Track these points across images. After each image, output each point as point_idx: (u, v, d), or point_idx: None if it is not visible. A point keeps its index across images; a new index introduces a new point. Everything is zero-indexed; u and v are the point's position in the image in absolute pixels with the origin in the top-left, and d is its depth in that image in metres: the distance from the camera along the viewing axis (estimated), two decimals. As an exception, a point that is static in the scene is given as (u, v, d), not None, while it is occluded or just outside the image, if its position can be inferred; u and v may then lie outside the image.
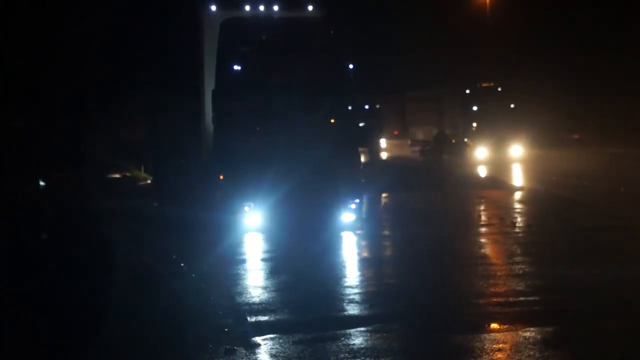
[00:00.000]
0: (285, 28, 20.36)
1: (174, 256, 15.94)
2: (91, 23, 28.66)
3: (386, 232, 19.65)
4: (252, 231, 18.61)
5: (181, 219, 19.56)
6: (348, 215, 18.94)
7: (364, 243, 17.92)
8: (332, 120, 19.02)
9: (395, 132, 59.28)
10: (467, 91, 45.66)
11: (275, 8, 21.03)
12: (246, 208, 18.62)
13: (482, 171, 38.37)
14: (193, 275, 14.07)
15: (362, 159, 20.87)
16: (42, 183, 21.28)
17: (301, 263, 15.26)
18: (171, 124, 22.19)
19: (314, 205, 18.63)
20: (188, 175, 22.02)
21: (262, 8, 21.00)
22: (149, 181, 29.07)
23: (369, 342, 9.76)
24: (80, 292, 11.77)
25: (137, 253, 16.37)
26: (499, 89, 45.19)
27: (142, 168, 30.12)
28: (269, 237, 18.30)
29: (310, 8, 20.86)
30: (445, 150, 44.35)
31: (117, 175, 29.89)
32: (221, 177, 19.03)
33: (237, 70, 19.39)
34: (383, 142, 54.40)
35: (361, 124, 52.93)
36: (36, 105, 23.06)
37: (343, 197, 18.78)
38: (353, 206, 18.95)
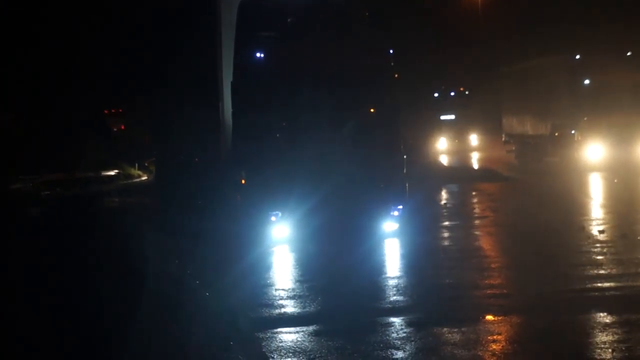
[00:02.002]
0: (312, 9, 17.75)
1: (188, 272, 13.39)
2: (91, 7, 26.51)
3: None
4: (280, 244, 16.06)
5: (194, 228, 16.86)
6: (390, 224, 16.38)
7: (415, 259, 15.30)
8: (372, 110, 16.45)
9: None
10: (577, 57, 31.10)
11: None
12: (273, 217, 16.06)
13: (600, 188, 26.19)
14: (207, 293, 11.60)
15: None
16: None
17: (343, 290, 12.62)
18: (183, 119, 19.50)
19: (351, 214, 16.07)
20: (202, 177, 19.41)
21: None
22: (143, 178, 29.15)
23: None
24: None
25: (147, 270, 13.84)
26: (629, 54, 30.90)
27: (137, 165, 30.25)
28: (299, 253, 15.73)
29: None
30: (548, 148, 32.74)
31: (112, 173, 29.64)
32: (243, 180, 16.47)
33: (259, 58, 16.85)
34: (474, 139, 49.22)
35: (446, 117, 49.30)
36: (31, 102, 21.21)
37: (385, 203, 16.23)
38: (396, 213, 16.38)
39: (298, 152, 16.16)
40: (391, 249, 15.93)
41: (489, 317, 10.44)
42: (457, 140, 49.02)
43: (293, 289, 12.61)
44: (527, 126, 35.33)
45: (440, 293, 11.93)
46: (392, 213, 16.34)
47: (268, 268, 14.46)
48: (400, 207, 16.43)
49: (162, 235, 16.04)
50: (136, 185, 28.04)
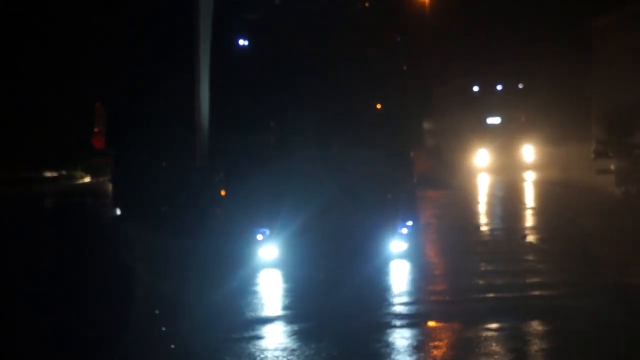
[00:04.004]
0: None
1: (156, 312, 10.69)
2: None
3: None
4: (267, 267, 13.38)
5: (156, 246, 14.10)
6: (398, 243, 13.75)
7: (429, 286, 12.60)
8: (379, 106, 13.90)
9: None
10: None
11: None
12: (259, 236, 13.39)
13: None
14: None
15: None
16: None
17: (343, 327, 9.99)
18: (146, 114, 16.60)
19: (351, 232, 13.45)
20: (171, 185, 16.54)
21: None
22: (87, 180, 28.63)
23: None
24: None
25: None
26: None
27: (80, 167, 29.42)
28: (290, 278, 13.05)
29: None
30: None
31: (54, 174, 28.78)
32: (223, 192, 13.81)
33: (243, 46, 14.28)
34: (529, 152, 34.85)
35: (490, 120, 35.09)
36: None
37: (391, 218, 13.61)
38: (405, 230, 13.75)
39: (289, 158, 13.57)
40: (399, 274, 13.31)
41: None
42: (503, 153, 34.60)
43: (276, 334, 9.88)
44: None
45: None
46: (399, 230, 13.72)
47: (249, 303, 11.63)
48: (410, 223, 13.82)
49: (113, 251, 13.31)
50: (80, 187, 27.46)
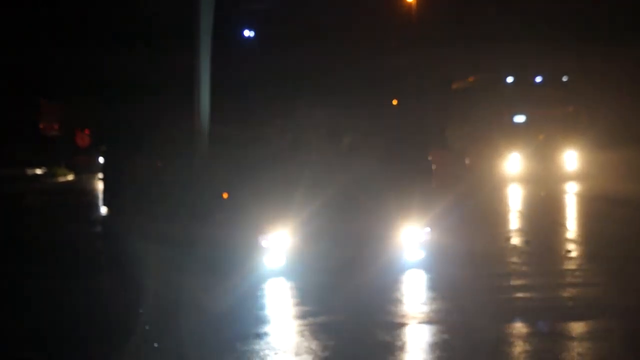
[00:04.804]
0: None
1: (147, 327, 9.56)
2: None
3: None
4: (273, 277, 12.24)
5: (148, 252, 12.99)
6: (415, 251, 12.65)
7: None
8: (395, 102, 12.87)
9: None
10: None
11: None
12: (264, 242, 12.26)
13: None
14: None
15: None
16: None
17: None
18: (138, 107, 15.57)
19: (364, 239, 12.35)
20: (167, 186, 15.48)
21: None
22: (70, 177, 28.80)
23: None
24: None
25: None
26: None
27: (63, 164, 29.61)
28: (299, 288, 11.90)
29: None
30: None
31: (38, 172, 28.87)
32: (225, 195, 12.70)
33: (249, 37, 13.28)
34: (572, 157, 28.44)
35: (522, 119, 28.18)
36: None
37: (408, 224, 12.51)
38: (423, 238, 12.65)
39: (297, 157, 12.51)
40: (416, 286, 12.19)
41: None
42: (540, 158, 28.38)
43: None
44: None
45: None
46: (416, 238, 12.62)
47: (253, 316, 10.48)
48: (428, 229, 12.72)
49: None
50: (63, 185, 27.15)
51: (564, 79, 29.68)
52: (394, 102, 13.03)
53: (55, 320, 10.02)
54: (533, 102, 28.74)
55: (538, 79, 29.61)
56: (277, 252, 12.25)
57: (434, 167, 13.04)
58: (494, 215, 19.24)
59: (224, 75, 12.95)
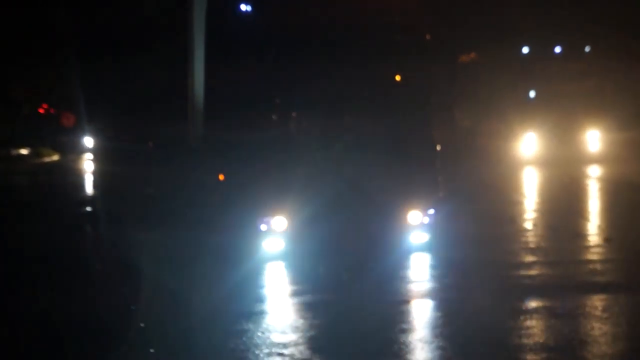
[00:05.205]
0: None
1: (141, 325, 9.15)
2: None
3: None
4: (272, 260, 11.85)
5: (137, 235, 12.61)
6: (418, 234, 12.26)
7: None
8: (398, 78, 12.47)
9: None
10: None
11: None
12: (263, 225, 11.86)
13: None
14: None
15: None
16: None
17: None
18: (129, 89, 15.19)
19: (366, 221, 11.97)
20: (159, 168, 15.10)
21: None
22: (55, 158, 28.69)
23: None
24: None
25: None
26: None
27: (48, 144, 29.37)
28: (300, 273, 11.53)
29: None
30: None
31: (24, 152, 28.67)
32: (221, 176, 12.32)
33: (246, 12, 12.91)
34: (594, 138, 25.96)
35: (544, 94, 24.01)
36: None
37: (411, 206, 12.12)
38: (426, 220, 12.26)
39: (295, 138, 12.14)
40: (420, 270, 11.82)
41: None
42: (559, 138, 25.82)
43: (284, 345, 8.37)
44: None
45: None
46: (420, 220, 12.23)
47: (251, 301, 10.07)
48: (432, 211, 12.33)
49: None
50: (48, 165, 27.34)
51: (587, 49, 27.08)
52: (397, 77, 12.57)
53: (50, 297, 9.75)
54: (551, 75, 26.30)
55: (557, 50, 27.04)
56: (275, 237, 11.86)
57: (439, 147, 12.58)
58: (503, 203, 18.14)
59: (220, 53, 12.58)
